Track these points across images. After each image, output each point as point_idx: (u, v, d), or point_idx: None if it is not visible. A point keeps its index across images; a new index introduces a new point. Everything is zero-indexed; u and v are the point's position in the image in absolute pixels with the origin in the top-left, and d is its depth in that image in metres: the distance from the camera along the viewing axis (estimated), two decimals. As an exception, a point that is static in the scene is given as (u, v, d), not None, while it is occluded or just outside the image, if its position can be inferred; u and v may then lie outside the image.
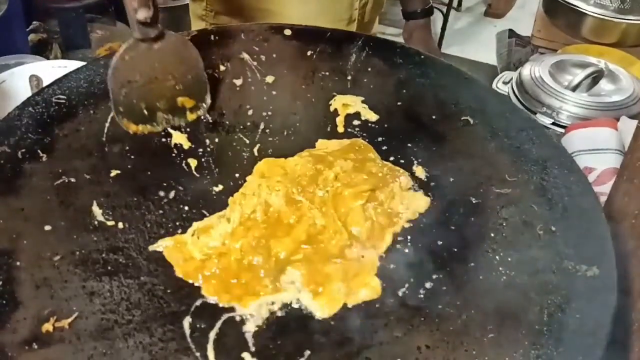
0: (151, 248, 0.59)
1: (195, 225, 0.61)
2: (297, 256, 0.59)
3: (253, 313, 0.54)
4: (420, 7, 1.21)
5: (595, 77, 1.07)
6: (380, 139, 0.71)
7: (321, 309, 0.55)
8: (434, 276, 0.57)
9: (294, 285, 0.57)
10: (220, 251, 0.59)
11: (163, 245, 0.59)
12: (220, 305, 0.55)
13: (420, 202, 0.64)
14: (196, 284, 0.56)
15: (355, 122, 0.73)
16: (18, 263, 0.55)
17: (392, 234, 0.61)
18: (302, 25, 0.82)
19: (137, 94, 0.68)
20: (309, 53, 0.79)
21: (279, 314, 0.55)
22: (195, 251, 0.59)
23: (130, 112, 0.69)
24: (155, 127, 0.70)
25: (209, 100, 0.73)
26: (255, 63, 0.78)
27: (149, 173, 0.66)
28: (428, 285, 0.57)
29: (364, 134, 0.72)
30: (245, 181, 0.66)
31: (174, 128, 0.71)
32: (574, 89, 1.04)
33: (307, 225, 0.61)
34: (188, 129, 0.71)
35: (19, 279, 0.54)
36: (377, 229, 0.61)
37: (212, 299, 0.55)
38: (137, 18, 0.64)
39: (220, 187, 0.66)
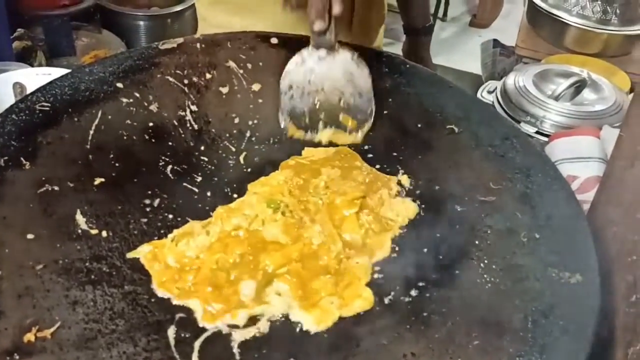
0: (129, 255, 0.58)
1: (176, 231, 0.61)
2: (283, 270, 0.58)
3: (238, 324, 0.54)
4: (422, 24, 1.21)
5: (578, 87, 1.08)
6: (366, 147, 0.72)
7: (316, 324, 0.54)
8: (420, 284, 0.58)
9: (281, 297, 0.56)
10: (196, 263, 0.58)
11: (142, 253, 0.59)
12: (200, 324, 0.54)
13: (410, 208, 0.65)
14: (172, 299, 0.55)
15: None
16: (0, 272, 0.54)
17: (389, 239, 0.62)
18: (288, 34, 0.82)
19: (302, 99, 0.72)
20: (295, 61, 0.79)
21: (265, 324, 0.54)
22: (171, 258, 0.58)
23: (293, 115, 0.72)
24: (314, 137, 0.72)
25: (369, 124, 0.73)
26: (241, 71, 0.78)
27: (134, 181, 0.65)
28: (414, 292, 0.57)
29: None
30: (230, 189, 0.66)
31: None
32: (557, 98, 1.05)
33: (302, 245, 0.60)
34: (172, 135, 0.71)
35: (0, 288, 0.53)
36: (371, 236, 0.62)
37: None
38: (313, 29, 0.67)
39: (206, 195, 0.65)
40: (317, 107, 0.72)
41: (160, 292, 0.56)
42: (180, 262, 0.58)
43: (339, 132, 0.73)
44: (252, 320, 0.55)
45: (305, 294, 0.56)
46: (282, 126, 0.73)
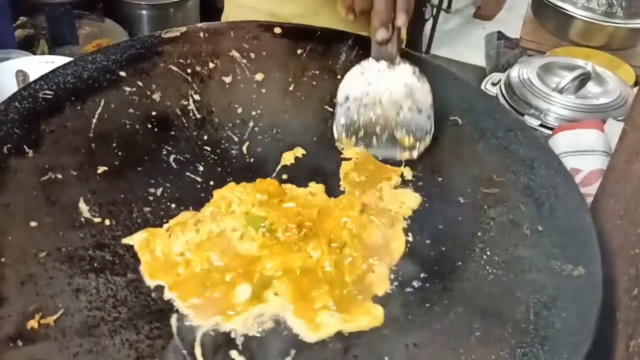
0: (124, 241, 0.58)
1: (172, 221, 0.61)
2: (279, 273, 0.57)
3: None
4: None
5: (583, 80, 1.08)
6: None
7: (310, 331, 0.53)
8: (422, 275, 0.58)
9: (277, 298, 0.55)
10: (184, 258, 0.58)
11: (136, 239, 0.59)
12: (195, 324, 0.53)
13: (413, 198, 0.64)
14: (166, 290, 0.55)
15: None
16: (3, 259, 0.54)
17: (402, 231, 0.61)
18: (292, 24, 0.82)
19: (358, 112, 0.69)
20: (299, 51, 0.79)
21: (266, 320, 0.54)
22: (158, 249, 0.58)
23: (348, 127, 0.70)
24: (366, 151, 0.70)
25: (428, 141, 0.70)
26: (244, 61, 0.77)
27: (137, 170, 0.65)
28: (416, 283, 0.57)
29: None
30: (233, 179, 0.66)
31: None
32: (561, 91, 1.05)
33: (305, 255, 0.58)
34: (175, 124, 0.71)
35: (3, 275, 0.53)
36: (384, 230, 0.61)
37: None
38: (376, 38, 0.65)
39: (209, 184, 0.65)
40: (374, 120, 0.70)
41: (149, 281, 0.56)
42: (167, 255, 0.57)
43: (393, 148, 0.70)
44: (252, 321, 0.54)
45: (301, 298, 0.55)
46: (335, 137, 0.71)
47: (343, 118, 0.70)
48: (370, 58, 0.69)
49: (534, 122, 1.01)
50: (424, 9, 1.39)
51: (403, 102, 0.69)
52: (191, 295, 0.55)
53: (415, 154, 0.70)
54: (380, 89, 0.69)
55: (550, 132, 0.96)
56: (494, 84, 1.14)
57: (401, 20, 0.65)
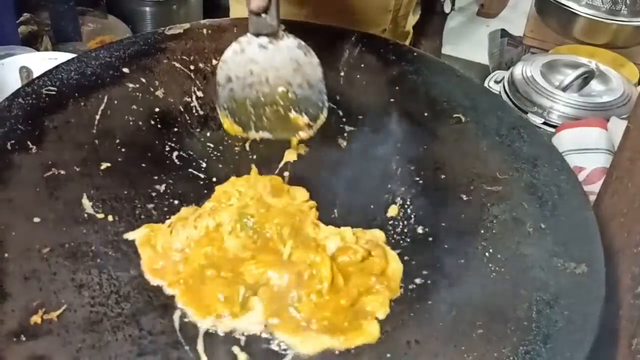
0: (125, 236, 0.58)
1: (174, 217, 0.61)
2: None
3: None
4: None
5: (586, 78, 1.08)
6: (370, 135, 0.71)
7: (300, 347, 0.52)
8: (424, 272, 0.58)
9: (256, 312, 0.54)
10: (184, 255, 0.57)
11: (138, 234, 0.59)
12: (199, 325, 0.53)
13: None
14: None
15: (348, 129, 0.72)
16: (6, 255, 0.54)
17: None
18: (295, 20, 0.81)
19: (243, 93, 0.63)
20: (302, 48, 0.79)
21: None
22: (159, 245, 0.57)
23: (232, 110, 0.64)
24: (252, 134, 0.65)
25: (323, 118, 0.64)
26: (248, 57, 0.77)
27: (140, 166, 0.66)
28: (418, 281, 0.57)
29: (356, 139, 0.71)
30: (236, 176, 0.66)
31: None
32: (565, 89, 1.05)
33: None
34: (178, 121, 0.71)
35: (7, 271, 0.53)
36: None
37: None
38: (250, 7, 0.58)
39: (212, 181, 0.65)
40: (263, 101, 0.63)
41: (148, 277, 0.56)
42: (167, 251, 0.57)
43: (287, 129, 0.65)
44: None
45: (280, 311, 0.53)
46: (221, 121, 0.65)
47: (227, 102, 0.63)
48: (248, 34, 0.61)
49: (537, 120, 1.01)
50: (442, 1, 1.36)
51: (292, 79, 0.63)
52: (190, 293, 0.55)
53: (311, 133, 0.65)
54: (265, 66, 0.62)
55: (553, 130, 0.96)
56: (497, 82, 1.14)
57: None
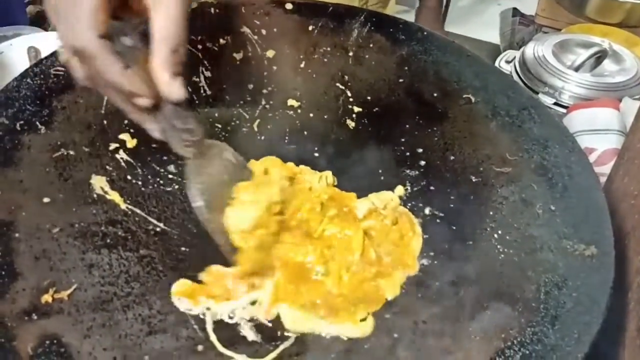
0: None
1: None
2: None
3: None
4: None
5: (599, 58, 1.06)
6: (378, 123, 0.71)
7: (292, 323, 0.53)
8: (432, 253, 0.58)
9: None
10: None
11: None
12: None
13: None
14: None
15: (357, 109, 0.73)
16: (17, 235, 0.54)
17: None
18: (302, 1, 0.80)
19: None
20: (310, 28, 0.78)
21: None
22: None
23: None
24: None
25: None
26: (255, 37, 0.77)
27: (148, 146, 0.65)
28: (425, 262, 0.57)
29: (364, 120, 0.71)
30: (244, 156, 0.65)
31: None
32: (577, 69, 1.03)
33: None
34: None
35: (17, 251, 0.53)
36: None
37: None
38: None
39: (220, 161, 0.65)
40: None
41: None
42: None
43: None
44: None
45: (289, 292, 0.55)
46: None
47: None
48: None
49: (548, 101, 1.00)
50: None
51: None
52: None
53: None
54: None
55: (564, 110, 0.94)
56: (508, 62, 1.12)
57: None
